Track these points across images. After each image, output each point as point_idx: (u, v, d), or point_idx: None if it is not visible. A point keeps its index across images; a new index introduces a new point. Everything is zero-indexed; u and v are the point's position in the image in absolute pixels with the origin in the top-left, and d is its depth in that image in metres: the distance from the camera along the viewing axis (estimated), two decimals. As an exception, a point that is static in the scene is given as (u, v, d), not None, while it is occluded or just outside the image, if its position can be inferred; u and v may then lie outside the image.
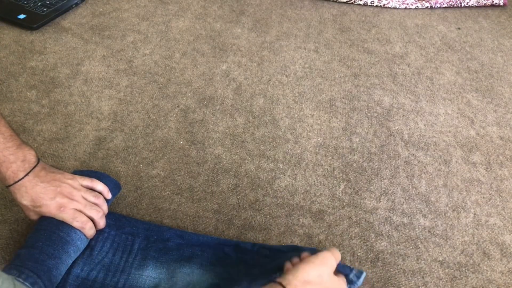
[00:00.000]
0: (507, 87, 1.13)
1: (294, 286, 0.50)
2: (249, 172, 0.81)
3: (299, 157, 0.85)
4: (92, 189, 0.65)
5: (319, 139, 0.90)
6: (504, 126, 1.00)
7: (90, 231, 0.62)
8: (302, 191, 0.79)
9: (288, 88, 1.02)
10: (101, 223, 0.64)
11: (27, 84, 0.92)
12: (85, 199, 0.63)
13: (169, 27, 1.16)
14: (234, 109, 0.94)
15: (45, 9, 1.10)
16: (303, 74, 1.07)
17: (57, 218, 0.60)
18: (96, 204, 0.64)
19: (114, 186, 0.70)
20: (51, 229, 0.60)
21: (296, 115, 0.95)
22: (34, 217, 0.62)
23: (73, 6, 1.15)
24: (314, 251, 0.60)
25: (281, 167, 0.83)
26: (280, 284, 0.50)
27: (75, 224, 0.60)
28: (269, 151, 0.86)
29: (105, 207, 0.65)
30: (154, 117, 0.89)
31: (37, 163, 0.61)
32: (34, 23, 1.06)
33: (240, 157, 0.84)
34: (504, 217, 0.80)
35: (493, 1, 1.49)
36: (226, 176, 0.80)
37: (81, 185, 0.64)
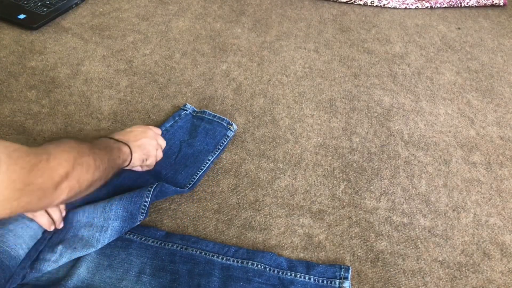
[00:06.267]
0: (507, 87, 1.13)
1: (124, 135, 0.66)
2: (249, 172, 0.81)
3: (299, 157, 0.85)
4: None
5: (319, 139, 0.90)
6: (504, 126, 1.00)
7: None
8: (302, 191, 0.79)
9: (288, 88, 1.02)
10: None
11: (27, 84, 0.91)
12: None
13: (169, 27, 1.16)
14: (234, 109, 0.94)
15: (45, 9, 1.10)
16: (303, 74, 1.07)
17: None
18: None
19: None
20: None
21: (296, 115, 0.95)
22: None
23: (73, 6, 1.15)
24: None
25: (281, 167, 0.83)
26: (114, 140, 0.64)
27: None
28: (269, 151, 0.86)
29: None
30: (154, 117, 0.89)
31: None
32: (34, 23, 1.06)
33: (240, 157, 0.84)
34: (504, 217, 0.80)
35: (493, 1, 1.49)
36: (226, 176, 0.80)
37: None
